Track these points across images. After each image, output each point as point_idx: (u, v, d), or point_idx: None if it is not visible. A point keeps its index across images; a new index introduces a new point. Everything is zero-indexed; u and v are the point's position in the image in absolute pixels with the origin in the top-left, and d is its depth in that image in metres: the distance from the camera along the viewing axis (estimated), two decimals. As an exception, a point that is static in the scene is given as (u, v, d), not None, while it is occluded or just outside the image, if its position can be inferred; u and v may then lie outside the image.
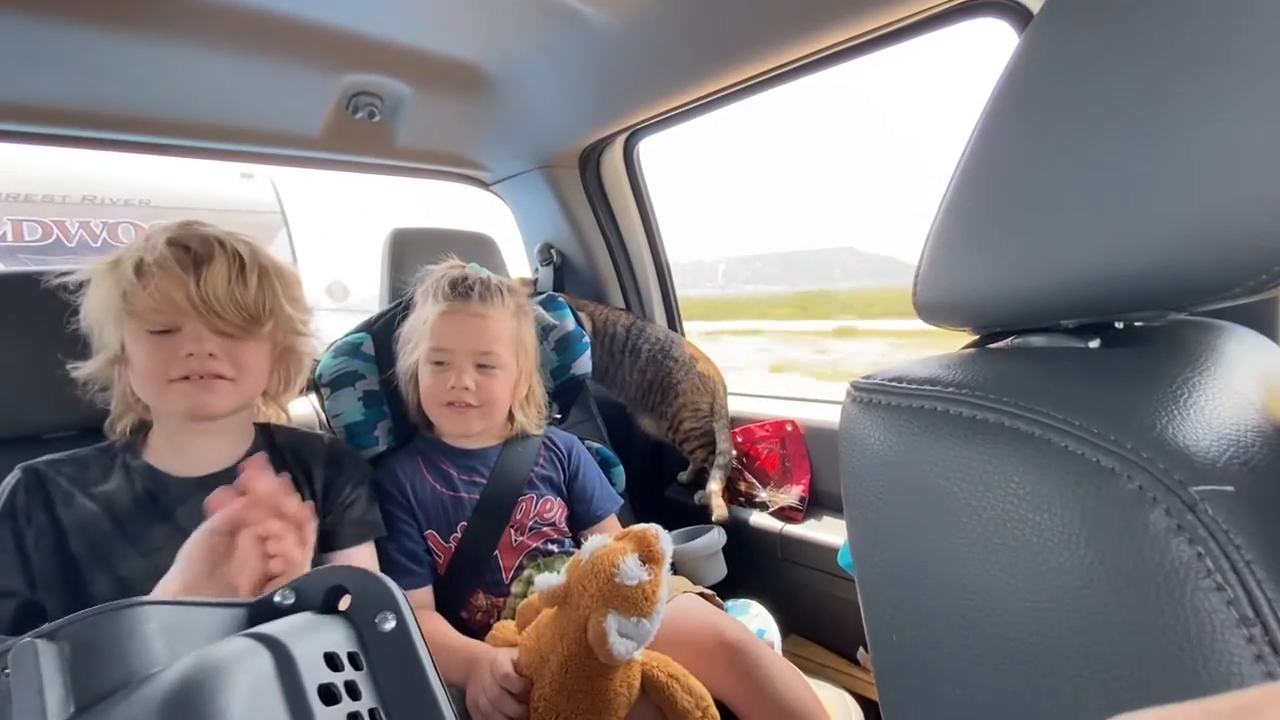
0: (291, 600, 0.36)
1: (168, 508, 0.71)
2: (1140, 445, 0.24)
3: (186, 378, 0.69)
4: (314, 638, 0.33)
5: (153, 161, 1.26)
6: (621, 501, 1.11)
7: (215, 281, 0.69)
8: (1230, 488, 0.23)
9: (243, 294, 0.70)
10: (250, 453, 0.79)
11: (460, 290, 0.96)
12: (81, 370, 0.74)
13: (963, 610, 0.29)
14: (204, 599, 0.35)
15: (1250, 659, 0.21)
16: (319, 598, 0.36)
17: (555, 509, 1.01)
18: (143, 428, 0.76)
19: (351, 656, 0.33)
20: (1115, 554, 0.24)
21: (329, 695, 0.30)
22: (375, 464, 1.02)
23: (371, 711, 0.31)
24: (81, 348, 0.74)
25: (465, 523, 0.94)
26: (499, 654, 0.77)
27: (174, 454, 0.74)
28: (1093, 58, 0.31)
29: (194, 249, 0.69)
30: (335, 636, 0.34)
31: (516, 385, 1.01)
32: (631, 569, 0.68)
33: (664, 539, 0.72)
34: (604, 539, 0.73)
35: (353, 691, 0.32)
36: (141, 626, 0.31)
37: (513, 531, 0.95)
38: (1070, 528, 0.25)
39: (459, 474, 0.97)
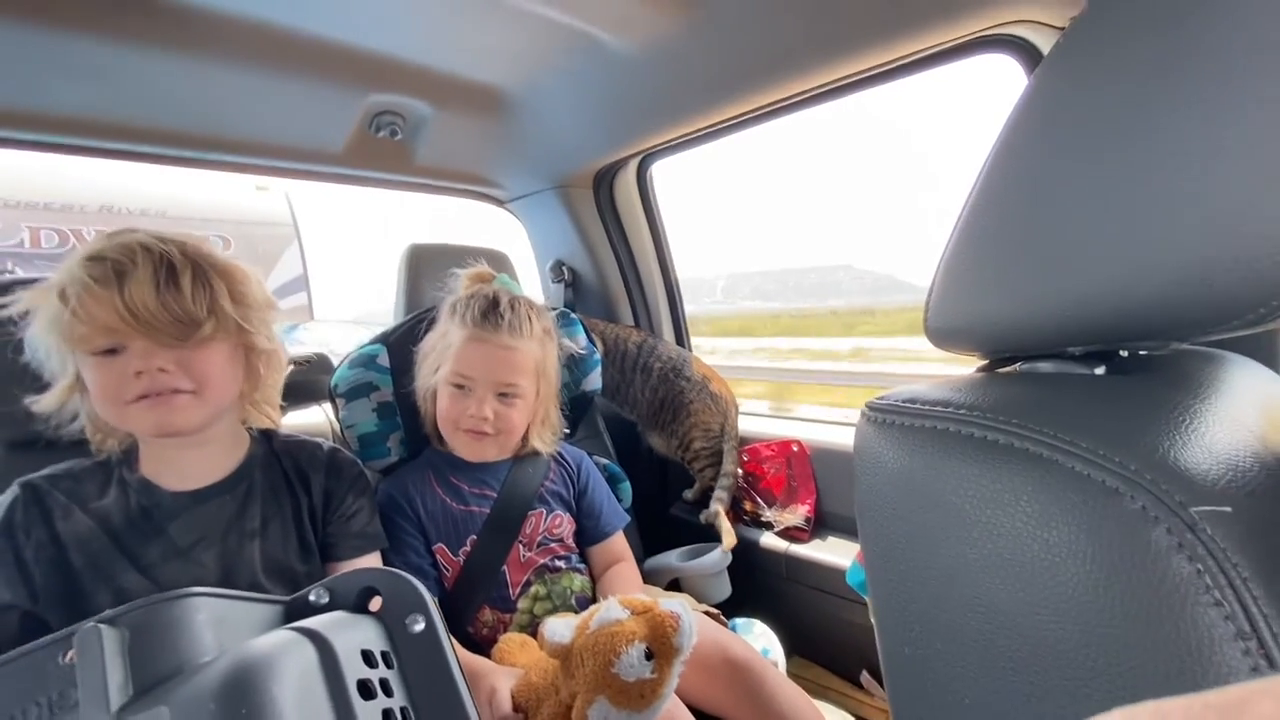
0: (326, 599, 0.37)
1: (160, 523, 0.70)
2: (1143, 467, 0.26)
3: (144, 396, 0.65)
4: (352, 634, 0.34)
5: (170, 173, 1.28)
6: (629, 518, 1.11)
7: (141, 291, 0.63)
8: (1228, 508, 0.24)
9: (176, 299, 0.65)
10: (246, 462, 0.78)
11: (491, 320, 0.94)
12: (40, 404, 0.69)
13: (974, 624, 0.30)
14: (246, 594, 0.37)
15: (1247, 671, 0.22)
16: (351, 598, 0.37)
17: (564, 524, 1.01)
18: (134, 442, 0.73)
19: (384, 655, 0.34)
20: (1120, 570, 0.25)
21: (366, 690, 0.31)
22: (386, 474, 1.03)
23: (402, 710, 0.32)
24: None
25: (475, 536, 0.94)
26: (500, 682, 0.75)
27: (165, 468, 0.72)
28: (1099, 98, 0.33)
29: (111, 260, 0.64)
30: (370, 635, 0.35)
31: (535, 411, 1.01)
32: (632, 662, 0.61)
33: (684, 630, 0.64)
34: (619, 612, 0.66)
35: (386, 689, 0.33)
36: (194, 616, 0.33)
37: (521, 547, 0.96)
38: (1077, 545, 0.26)
39: (469, 487, 0.98)
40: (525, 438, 1.02)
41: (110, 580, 0.67)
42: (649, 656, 0.63)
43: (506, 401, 0.95)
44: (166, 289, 0.65)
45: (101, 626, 0.31)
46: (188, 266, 0.67)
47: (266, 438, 0.83)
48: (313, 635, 0.33)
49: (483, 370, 0.94)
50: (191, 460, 0.74)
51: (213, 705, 0.29)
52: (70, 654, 0.32)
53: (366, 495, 0.86)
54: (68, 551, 0.66)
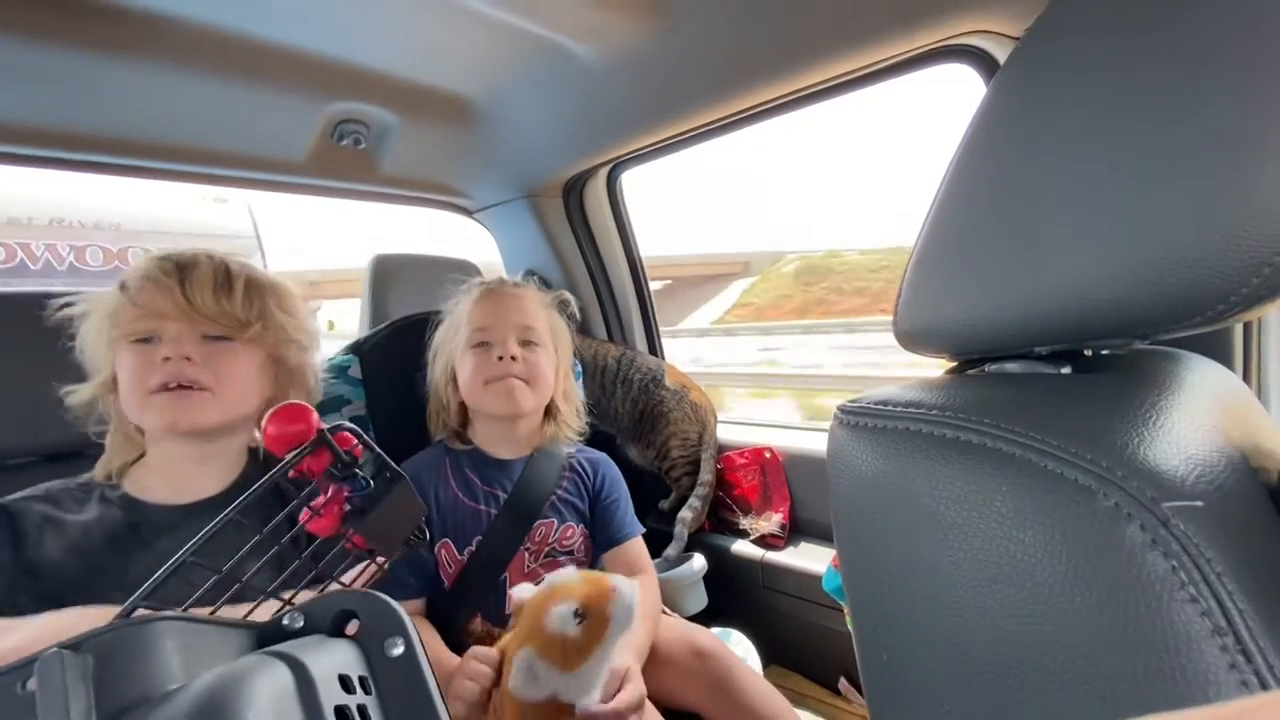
0: (300, 624, 0.36)
1: (148, 539, 0.67)
2: (1114, 464, 0.26)
3: (166, 387, 0.67)
4: (328, 658, 0.33)
5: (125, 185, 1.24)
6: (643, 529, 1.06)
7: (200, 286, 0.69)
8: (1199, 503, 0.24)
9: (228, 299, 0.71)
10: (241, 478, 0.76)
11: (497, 281, 1.03)
12: (75, 395, 0.72)
13: (952, 627, 0.30)
14: (217, 618, 0.35)
15: (1225, 667, 0.22)
16: (327, 621, 0.36)
17: (576, 536, 0.98)
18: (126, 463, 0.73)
19: (361, 680, 0.33)
20: (1096, 568, 0.25)
21: (343, 717, 0.30)
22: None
23: None
24: (47, 369, 0.72)
25: (481, 537, 0.91)
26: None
27: (163, 482, 0.71)
28: (1056, 103, 0.33)
29: (178, 260, 0.71)
30: (347, 658, 0.34)
31: (558, 372, 1.02)
32: (557, 617, 0.65)
33: (619, 602, 0.67)
34: (570, 575, 0.71)
35: (364, 715, 0.31)
36: (162, 642, 0.31)
37: (527, 555, 0.93)
38: (1052, 543, 0.26)
39: (482, 484, 0.95)
40: (550, 414, 1.02)
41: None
42: (580, 617, 0.66)
43: (530, 348, 0.96)
44: (222, 289, 0.71)
45: (64, 652, 0.29)
46: (242, 275, 0.74)
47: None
48: (287, 659, 0.32)
49: (500, 317, 0.96)
50: (195, 474, 0.73)
51: None
52: (30, 681, 0.29)
53: None
54: (36, 579, 0.62)
